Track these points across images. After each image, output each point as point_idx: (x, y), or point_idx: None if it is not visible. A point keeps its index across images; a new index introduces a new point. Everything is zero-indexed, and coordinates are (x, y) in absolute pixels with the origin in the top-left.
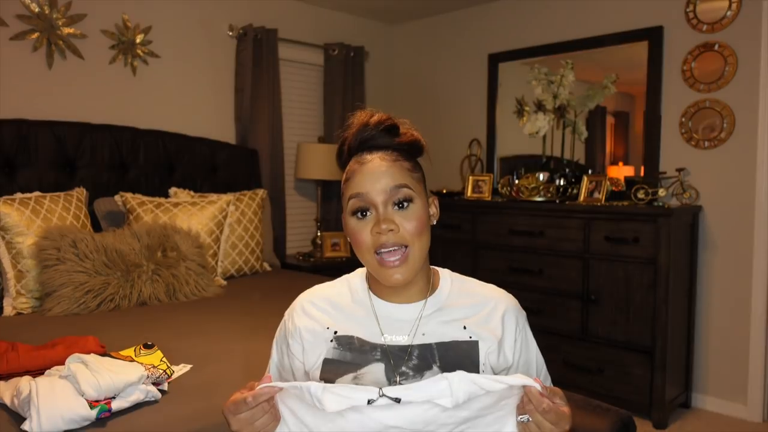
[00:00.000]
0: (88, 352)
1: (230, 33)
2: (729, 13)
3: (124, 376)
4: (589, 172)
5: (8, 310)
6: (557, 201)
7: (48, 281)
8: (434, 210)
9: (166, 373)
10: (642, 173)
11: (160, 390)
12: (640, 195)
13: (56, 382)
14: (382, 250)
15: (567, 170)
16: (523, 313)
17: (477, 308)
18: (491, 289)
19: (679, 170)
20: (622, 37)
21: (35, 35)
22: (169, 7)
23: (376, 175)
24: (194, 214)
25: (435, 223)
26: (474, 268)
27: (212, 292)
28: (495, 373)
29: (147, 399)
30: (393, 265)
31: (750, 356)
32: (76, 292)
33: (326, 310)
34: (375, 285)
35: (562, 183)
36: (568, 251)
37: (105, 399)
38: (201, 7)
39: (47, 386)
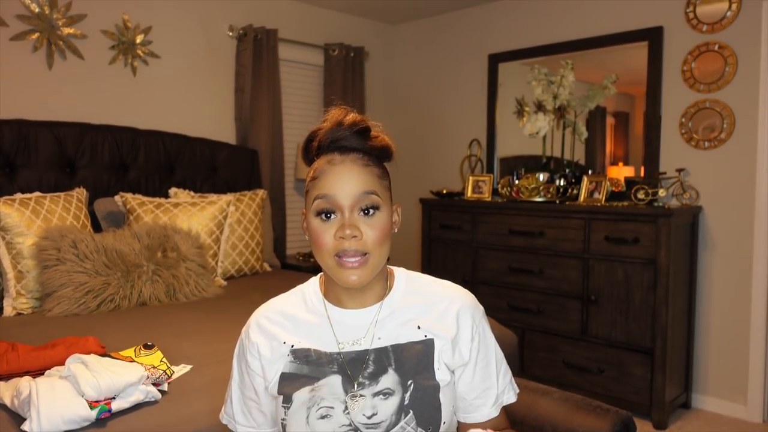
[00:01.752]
0: (88, 353)
1: (230, 33)
2: (729, 13)
3: (124, 376)
4: (589, 172)
5: (8, 311)
6: (557, 201)
7: (48, 281)
8: (397, 218)
9: (166, 373)
10: (642, 174)
11: (160, 390)
12: (640, 195)
13: (56, 383)
14: (344, 256)
15: (567, 170)
16: (480, 309)
17: (431, 306)
18: (446, 286)
19: (679, 170)
20: (622, 38)
21: (35, 35)
22: (169, 7)
23: (346, 179)
24: (194, 215)
25: (396, 231)
26: (474, 269)
27: (212, 293)
28: (450, 370)
29: (147, 399)
30: (352, 266)
31: (750, 356)
32: (76, 293)
33: (281, 324)
34: (329, 293)
35: (562, 183)
36: (568, 251)
37: (105, 399)
38: (201, 8)
39: (47, 387)
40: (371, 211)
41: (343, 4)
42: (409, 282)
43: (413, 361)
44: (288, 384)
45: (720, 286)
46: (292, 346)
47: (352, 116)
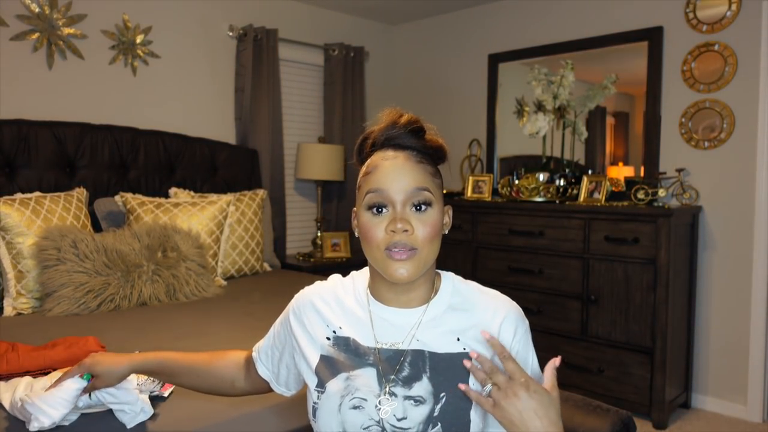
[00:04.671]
0: (88, 353)
1: (230, 33)
2: (729, 13)
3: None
4: (589, 172)
5: (8, 311)
6: (557, 201)
7: (48, 281)
8: (447, 219)
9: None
10: (642, 173)
11: (160, 396)
12: (640, 195)
13: (36, 384)
14: (394, 249)
15: (567, 170)
16: (525, 323)
17: (474, 317)
18: (493, 296)
19: (679, 170)
20: (622, 37)
21: (35, 35)
22: (169, 7)
23: (400, 174)
24: (194, 215)
25: (446, 232)
26: (474, 269)
27: (212, 293)
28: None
29: (139, 412)
30: (400, 257)
31: (750, 356)
32: (76, 293)
33: (330, 306)
34: (375, 289)
35: (562, 183)
36: (568, 251)
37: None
38: (201, 7)
39: (36, 386)
40: (423, 207)
41: (343, 4)
42: (455, 288)
43: (449, 374)
44: (325, 368)
45: (720, 286)
46: (334, 332)
47: (407, 116)
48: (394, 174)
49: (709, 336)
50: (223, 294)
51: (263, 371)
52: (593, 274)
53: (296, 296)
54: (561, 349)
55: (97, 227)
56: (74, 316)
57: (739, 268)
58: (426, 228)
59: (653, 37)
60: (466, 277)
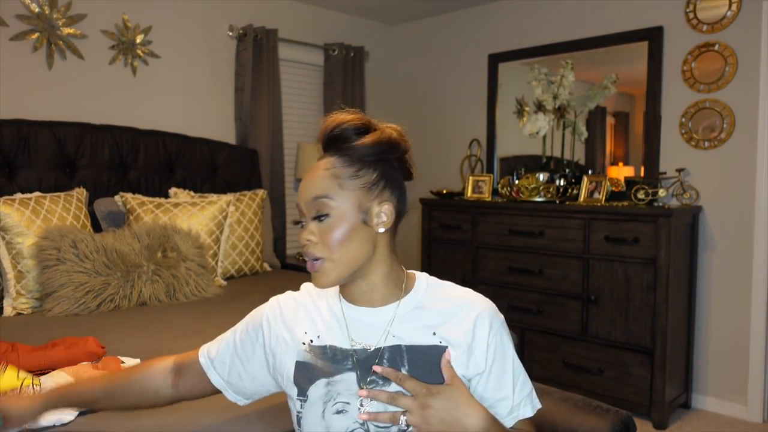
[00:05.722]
0: (88, 353)
1: (230, 33)
2: (729, 13)
3: None
4: (589, 172)
5: (8, 311)
6: (557, 201)
7: (48, 281)
8: (385, 218)
9: (34, 385)
10: (642, 173)
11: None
12: (640, 195)
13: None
14: (305, 259)
15: (567, 170)
16: (500, 318)
17: (449, 313)
18: (466, 293)
19: (679, 170)
20: (622, 37)
21: (35, 35)
22: (169, 7)
23: (305, 185)
24: (194, 215)
25: (381, 231)
26: (474, 269)
27: (212, 293)
28: (467, 379)
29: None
30: (311, 269)
31: (750, 356)
32: (76, 293)
33: (303, 314)
34: (343, 289)
35: (562, 183)
36: (568, 251)
37: None
38: (201, 7)
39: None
40: (322, 217)
41: (343, 4)
42: (429, 287)
43: (426, 367)
44: (303, 375)
45: (720, 286)
46: (311, 340)
47: (329, 121)
48: (302, 186)
49: (709, 336)
50: (223, 294)
51: (216, 380)
52: (593, 274)
53: (265, 308)
54: (561, 349)
55: (97, 227)
56: (74, 316)
57: (739, 268)
58: (326, 237)
59: (653, 37)
60: (466, 277)
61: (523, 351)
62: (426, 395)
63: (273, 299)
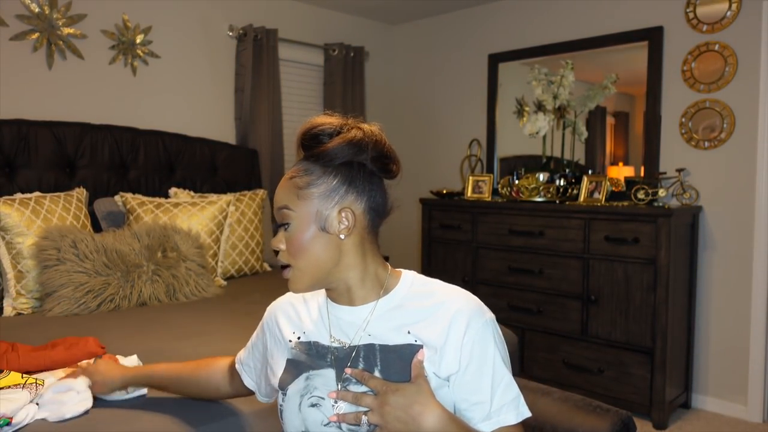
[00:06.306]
0: (88, 353)
1: (230, 33)
2: (729, 13)
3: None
4: (589, 172)
5: (8, 311)
6: (557, 201)
7: (48, 281)
8: (347, 223)
9: (37, 384)
10: (642, 173)
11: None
12: (640, 195)
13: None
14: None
15: (567, 170)
16: (484, 318)
17: (427, 312)
18: (450, 291)
19: (679, 170)
20: (622, 37)
21: (35, 35)
22: (169, 7)
23: (275, 195)
24: (194, 215)
25: (343, 237)
26: (474, 269)
27: (212, 293)
28: (442, 378)
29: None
30: (284, 276)
31: (750, 356)
32: (76, 293)
33: (296, 312)
34: (326, 288)
35: (562, 183)
36: (568, 251)
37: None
38: (201, 7)
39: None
40: (285, 226)
41: (343, 4)
42: (413, 286)
43: (398, 366)
44: (289, 371)
45: (720, 286)
46: (299, 337)
47: (302, 127)
48: (275, 195)
49: (709, 336)
50: (223, 294)
51: (249, 382)
52: (593, 274)
53: (267, 310)
54: (561, 349)
55: (96, 227)
56: (74, 316)
57: (739, 268)
58: (289, 245)
59: (653, 36)
60: (466, 277)
61: (523, 351)
62: (385, 393)
63: (273, 302)
